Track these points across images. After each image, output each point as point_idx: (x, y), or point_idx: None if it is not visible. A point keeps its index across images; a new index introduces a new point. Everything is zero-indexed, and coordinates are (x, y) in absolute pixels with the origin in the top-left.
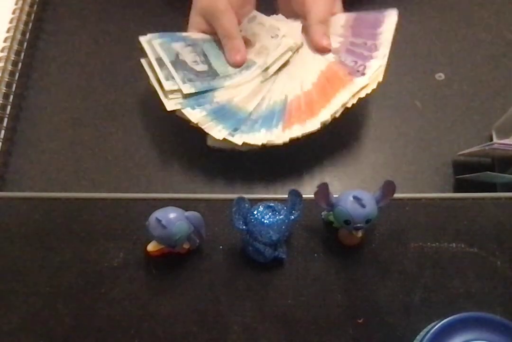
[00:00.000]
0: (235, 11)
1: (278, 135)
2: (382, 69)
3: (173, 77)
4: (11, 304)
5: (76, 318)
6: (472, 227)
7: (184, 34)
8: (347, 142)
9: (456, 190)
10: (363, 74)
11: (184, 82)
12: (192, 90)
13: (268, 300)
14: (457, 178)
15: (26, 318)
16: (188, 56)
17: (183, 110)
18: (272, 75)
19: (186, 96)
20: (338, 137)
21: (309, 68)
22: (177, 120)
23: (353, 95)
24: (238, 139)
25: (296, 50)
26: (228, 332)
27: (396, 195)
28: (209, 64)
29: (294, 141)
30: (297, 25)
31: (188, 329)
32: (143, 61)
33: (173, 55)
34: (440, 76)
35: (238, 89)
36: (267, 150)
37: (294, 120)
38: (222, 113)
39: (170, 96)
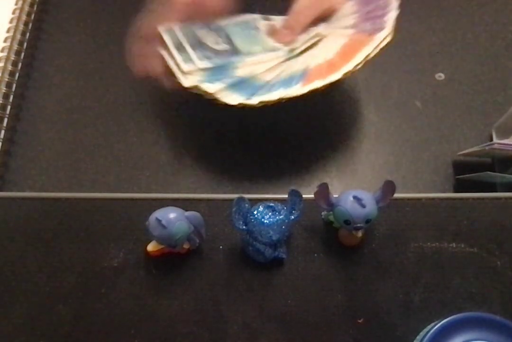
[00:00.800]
0: None
1: (297, 91)
2: (394, 19)
3: (191, 59)
4: (11, 304)
5: (76, 318)
6: (472, 227)
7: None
8: (347, 143)
9: (456, 190)
10: (383, 28)
11: (201, 60)
12: (209, 65)
13: (268, 300)
14: (457, 178)
15: (26, 318)
16: (209, 39)
17: (200, 85)
18: (296, 55)
19: (204, 71)
20: (338, 138)
21: (331, 46)
22: (178, 120)
23: (375, 48)
24: (254, 101)
25: (322, 36)
26: (228, 332)
27: (396, 195)
28: (232, 45)
29: (313, 91)
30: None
31: (188, 329)
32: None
33: (194, 39)
34: (440, 76)
35: (260, 65)
36: (267, 149)
37: (315, 78)
38: (240, 85)
39: (188, 75)
